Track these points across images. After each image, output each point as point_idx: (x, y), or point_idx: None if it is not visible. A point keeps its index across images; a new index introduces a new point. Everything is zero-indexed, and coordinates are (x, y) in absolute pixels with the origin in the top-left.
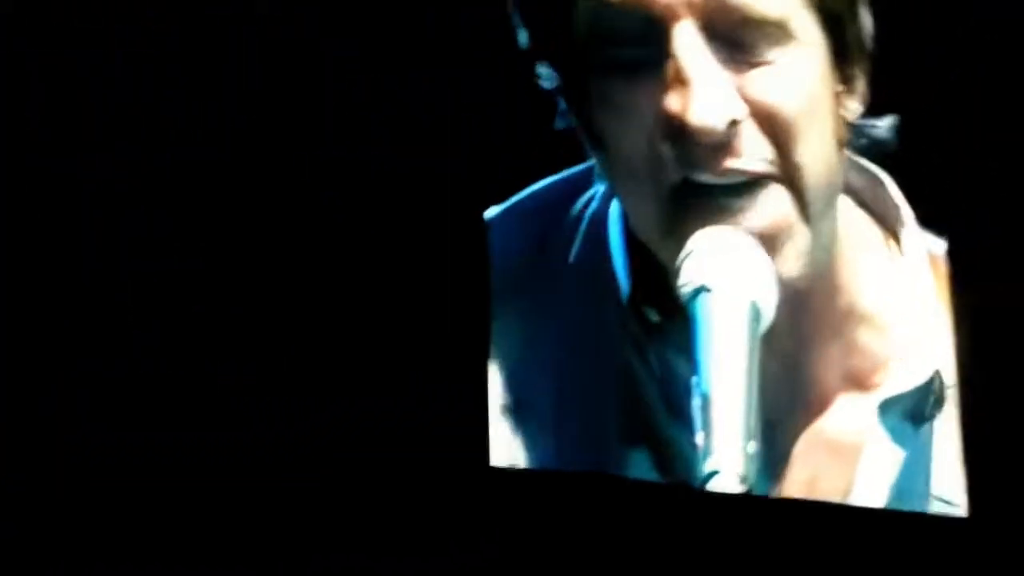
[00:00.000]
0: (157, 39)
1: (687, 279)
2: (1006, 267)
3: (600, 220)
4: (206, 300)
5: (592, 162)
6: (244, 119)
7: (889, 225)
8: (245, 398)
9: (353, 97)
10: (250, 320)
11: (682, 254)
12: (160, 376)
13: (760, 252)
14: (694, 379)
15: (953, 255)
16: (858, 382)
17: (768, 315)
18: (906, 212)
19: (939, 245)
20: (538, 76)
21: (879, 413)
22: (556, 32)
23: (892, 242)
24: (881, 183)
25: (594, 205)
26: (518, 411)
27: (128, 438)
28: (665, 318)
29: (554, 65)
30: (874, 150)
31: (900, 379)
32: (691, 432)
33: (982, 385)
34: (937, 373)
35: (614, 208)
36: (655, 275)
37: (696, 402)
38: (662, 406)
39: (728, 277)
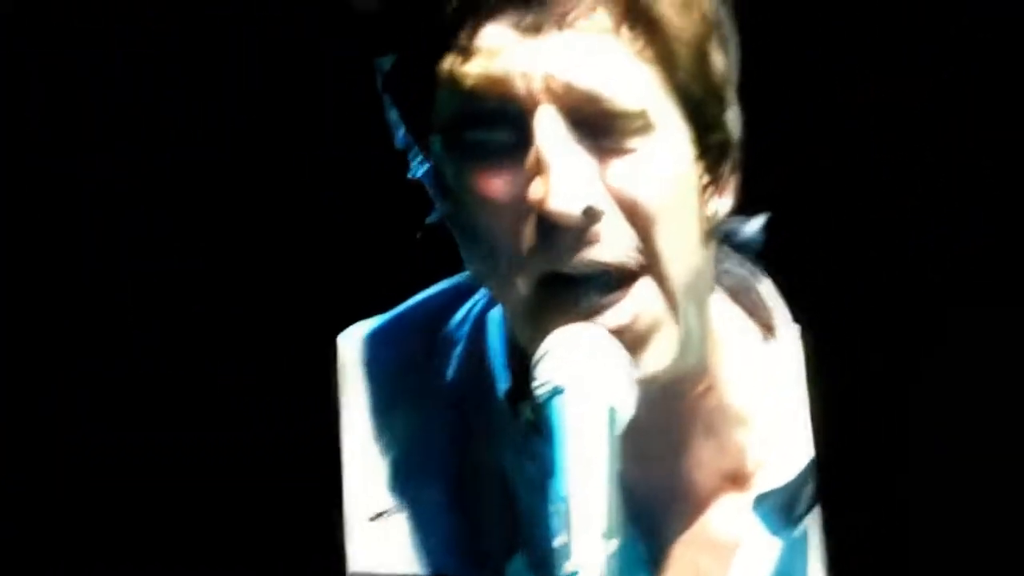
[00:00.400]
0: (157, 39)
1: (542, 380)
2: (859, 357)
3: (482, 323)
4: (206, 300)
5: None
6: (244, 119)
7: (763, 321)
8: (245, 398)
9: (353, 97)
10: (250, 320)
11: (537, 355)
12: (160, 376)
13: (615, 350)
14: (552, 481)
15: (807, 344)
16: (736, 480)
17: (625, 414)
18: (779, 308)
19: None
20: (410, 167)
21: (753, 509)
22: (421, 116)
23: (766, 338)
24: (755, 279)
25: (478, 308)
26: (394, 516)
27: (128, 438)
28: (541, 419)
29: (422, 152)
30: (744, 248)
31: (774, 474)
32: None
33: (838, 469)
34: (809, 468)
35: (495, 308)
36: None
37: (553, 506)
38: (540, 506)
39: (582, 377)
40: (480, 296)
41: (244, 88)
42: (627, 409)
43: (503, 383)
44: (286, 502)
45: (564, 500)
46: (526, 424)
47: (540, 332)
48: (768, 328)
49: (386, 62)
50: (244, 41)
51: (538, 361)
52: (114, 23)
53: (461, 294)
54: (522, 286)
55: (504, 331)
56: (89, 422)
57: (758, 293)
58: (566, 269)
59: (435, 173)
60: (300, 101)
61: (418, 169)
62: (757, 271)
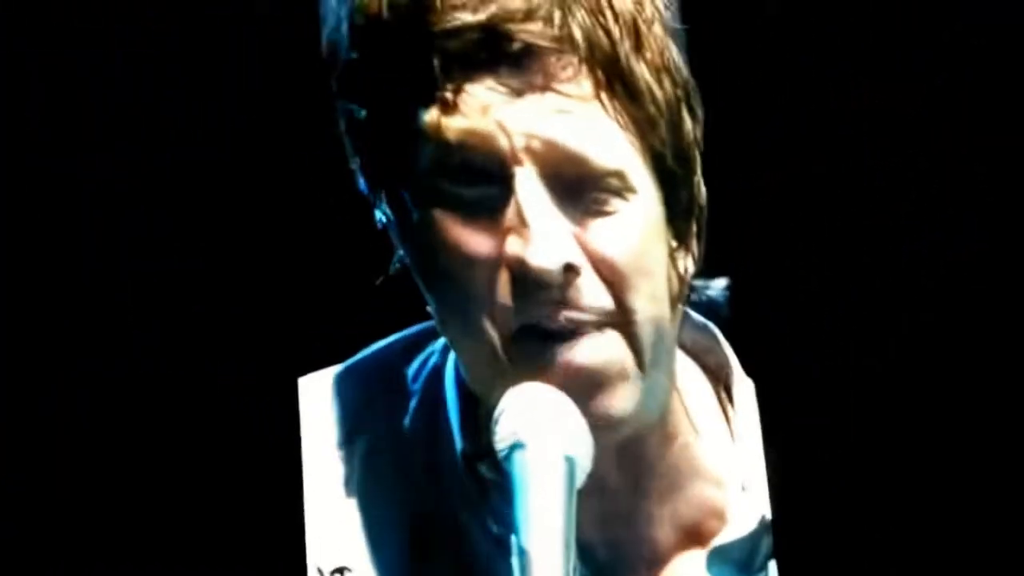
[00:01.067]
0: (157, 39)
1: (502, 436)
2: (812, 410)
3: (438, 376)
4: (206, 300)
5: (429, 323)
6: (244, 119)
7: (720, 377)
8: (245, 398)
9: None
10: (250, 320)
11: (496, 412)
12: (160, 376)
13: (572, 406)
14: (512, 537)
15: (761, 398)
16: (695, 537)
17: (584, 468)
18: (735, 364)
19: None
20: (374, 216)
21: (708, 563)
22: (391, 165)
23: (723, 393)
24: (712, 336)
25: (433, 360)
26: (349, 573)
27: (128, 437)
28: (500, 475)
29: (390, 201)
30: (707, 309)
31: (729, 529)
32: None
33: (793, 523)
34: (765, 521)
35: (451, 361)
36: (489, 430)
37: (515, 560)
38: (500, 563)
39: (542, 432)
40: (436, 347)
41: (244, 88)
42: (586, 463)
43: (459, 441)
44: (248, 548)
45: (524, 554)
46: (484, 483)
47: (509, 383)
48: (724, 384)
49: (356, 110)
50: (244, 41)
51: (498, 417)
52: (114, 23)
53: (418, 343)
54: (493, 338)
55: (458, 386)
56: (89, 422)
57: (715, 349)
58: (543, 324)
59: (400, 221)
60: (300, 101)
61: (382, 216)
62: (713, 328)
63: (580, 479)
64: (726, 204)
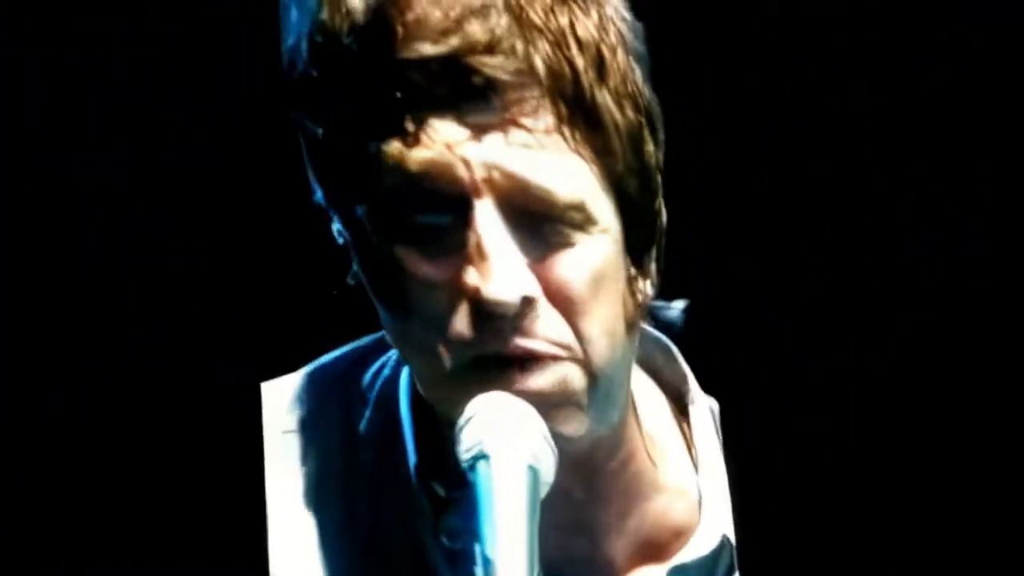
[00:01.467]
0: (157, 39)
1: (466, 446)
2: (776, 430)
3: (393, 385)
4: (206, 300)
5: (381, 333)
6: (244, 119)
7: (676, 392)
8: (245, 398)
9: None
10: (250, 320)
11: (460, 421)
12: (160, 376)
13: (536, 416)
14: (476, 547)
15: (725, 417)
16: (653, 552)
17: (547, 478)
18: (691, 379)
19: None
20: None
21: None
22: (346, 186)
23: (678, 409)
24: (668, 351)
25: (387, 370)
26: None
27: (128, 437)
28: (454, 492)
29: (345, 220)
30: (663, 330)
31: (689, 547)
32: None
33: (758, 543)
34: (726, 539)
35: (404, 377)
36: (443, 447)
37: (479, 570)
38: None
39: (506, 443)
40: (391, 357)
41: (244, 88)
42: (549, 474)
43: (412, 457)
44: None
45: (489, 563)
46: (437, 499)
47: (462, 402)
48: (680, 399)
49: (312, 126)
50: (244, 41)
51: (463, 425)
52: (114, 23)
53: (374, 351)
54: (447, 364)
55: (412, 399)
56: (89, 422)
57: (671, 365)
58: (500, 352)
59: (356, 242)
60: None
61: (337, 233)
62: (669, 343)
63: (543, 490)
64: (691, 219)
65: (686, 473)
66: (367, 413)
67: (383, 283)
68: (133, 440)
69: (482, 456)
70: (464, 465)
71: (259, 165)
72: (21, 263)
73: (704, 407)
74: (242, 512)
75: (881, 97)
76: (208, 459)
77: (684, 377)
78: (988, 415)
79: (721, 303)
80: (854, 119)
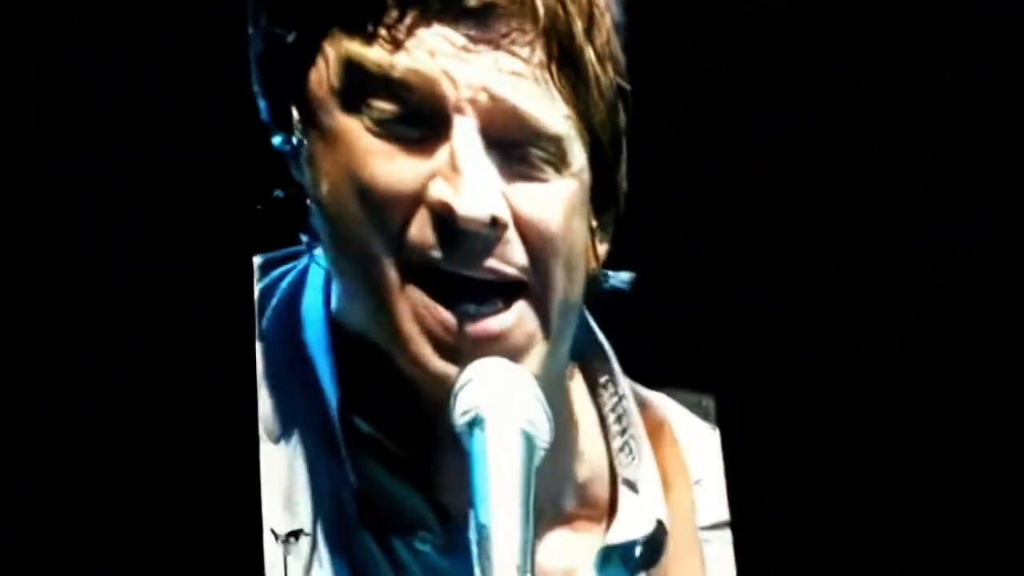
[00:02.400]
0: (157, 39)
1: (463, 409)
2: (768, 420)
3: (296, 292)
4: (206, 300)
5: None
6: (244, 119)
7: (590, 367)
8: (245, 398)
9: None
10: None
11: (457, 385)
12: (160, 376)
13: (531, 382)
14: (471, 511)
15: (721, 410)
16: (566, 518)
17: (543, 444)
18: (612, 358)
19: (667, 400)
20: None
21: (597, 561)
22: (319, 90)
23: (589, 384)
24: (587, 324)
25: (290, 277)
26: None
27: (128, 438)
28: (378, 429)
29: (304, 122)
30: (611, 296)
31: (622, 528)
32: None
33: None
34: (660, 524)
35: (312, 304)
36: (367, 379)
37: (472, 535)
38: (356, 519)
39: (501, 408)
40: (296, 263)
41: (244, 88)
42: (544, 440)
43: (332, 394)
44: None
45: (483, 528)
46: (358, 436)
47: (403, 323)
48: (593, 376)
49: (284, 33)
50: (244, 41)
51: (458, 391)
52: (114, 23)
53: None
54: (392, 276)
55: (328, 329)
56: (89, 422)
57: (590, 339)
58: (456, 269)
59: (310, 145)
60: None
61: (282, 141)
62: (588, 318)
63: (538, 456)
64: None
65: (597, 446)
66: (268, 309)
67: (332, 187)
68: (133, 440)
69: (477, 421)
70: (459, 427)
71: (258, 165)
72: (21, 263)
73: (625, 389)
74: (239, 512)
75: (890, 93)
76: (206, 459)
77: (600, 353)
78: (993, 410)
79: (722, 295)
80: (862, 114)
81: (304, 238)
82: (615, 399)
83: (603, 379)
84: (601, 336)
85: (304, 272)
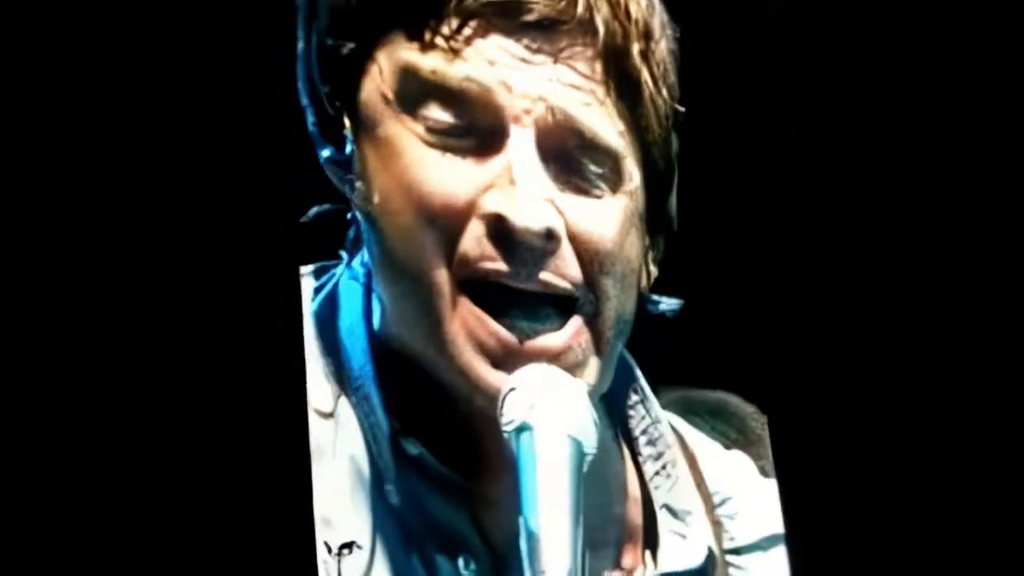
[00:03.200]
0: (157, 39)
1: (511, 416)
2: (821, 439)
3: (331, 308)
4: (207, 300)
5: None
6: (245, 119)
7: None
8: (245, 398)
9: None
10: (250, 320)
11: (504, 389)
12: (160, 376)
13: (579, 390)
14: (520, 518)
15: (773, 429)
16: (601, 543)
17: (590, 451)
18: (647, 391)
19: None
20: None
21: None
22: (375, 99)
23: (631, 411)
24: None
25: (327, 290)
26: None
27: (128, 438)
28: (426, 449)
29: (356, 131)
30: (654, 323)
31: (669, 557)
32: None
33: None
34: (710, 554)
35: (353, 327)
36: (420, 403)
37: (523, 541)
38: (394, 536)
39: (549, 414)
40: (332, 274)
41: (245, 88)
42: (591, 447)
43: (384, 421)
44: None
45: (533, 536)
46: (407, 459)
47: (455, 334)
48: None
49: (342, 44)
50: (244, 41)
51: (506, 396)
52: (114, 23)
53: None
54: (445, 286)
55: (371, 345)
56: (89, 422)
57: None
58: (510, 282)
59: (363, 155)
60: (299, 101)
61: (332, 152)
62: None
63: (586, 462)
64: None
65: (632, 481)
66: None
67: (387, 196)
68: (133, 440)
69: (525, 427)
70: (507, 434)
71: (259, 165)
72: (21, 263)
73: (659, 412)
74: (244, 513)
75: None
76: (209, 459)
77: (629, 374)
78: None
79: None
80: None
81: (343, 253)
82: (646, 421)
83: (632, 400)
84: (631, 360)
85: (335, 289)
